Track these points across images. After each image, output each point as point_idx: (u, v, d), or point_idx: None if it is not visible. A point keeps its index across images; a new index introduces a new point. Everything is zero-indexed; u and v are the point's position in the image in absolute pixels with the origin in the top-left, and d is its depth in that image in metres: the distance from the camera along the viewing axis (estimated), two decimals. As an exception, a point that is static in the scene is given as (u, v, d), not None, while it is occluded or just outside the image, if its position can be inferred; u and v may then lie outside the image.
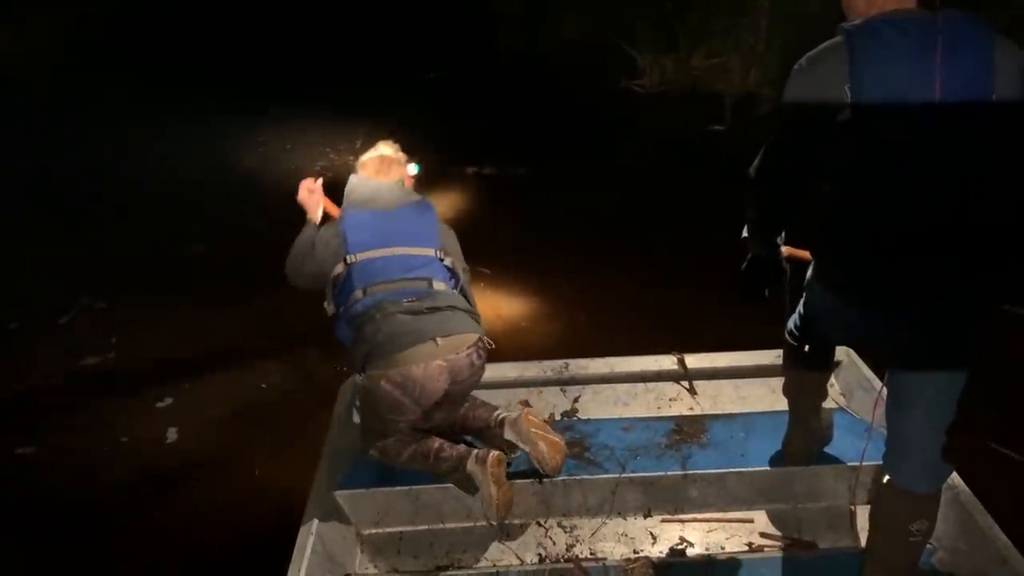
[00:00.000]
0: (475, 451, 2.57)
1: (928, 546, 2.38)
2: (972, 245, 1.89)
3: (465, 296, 2.82)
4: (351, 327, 2.65)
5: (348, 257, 2.69)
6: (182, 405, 4.09)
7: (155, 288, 5.27)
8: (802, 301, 2.42)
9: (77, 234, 6.13)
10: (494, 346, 2.76)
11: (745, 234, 2.31)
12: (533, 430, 2.61)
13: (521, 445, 2.64)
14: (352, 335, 2.65)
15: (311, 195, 2.93)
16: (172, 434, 3.86)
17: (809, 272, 2.28)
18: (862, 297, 2.06)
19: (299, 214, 2.93)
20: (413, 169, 3.02)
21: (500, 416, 2.72)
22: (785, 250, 2.43)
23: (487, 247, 4.89)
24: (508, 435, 2.66)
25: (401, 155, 3.00)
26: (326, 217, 2.93)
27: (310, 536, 2.45)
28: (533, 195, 6.68)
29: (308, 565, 2.36)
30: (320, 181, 2.97)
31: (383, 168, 2.91)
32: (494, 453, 2.54)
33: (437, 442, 2.64)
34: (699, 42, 9.50)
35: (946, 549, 2.50)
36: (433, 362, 2.52)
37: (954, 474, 2.42)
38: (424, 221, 2.83)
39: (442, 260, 2.78)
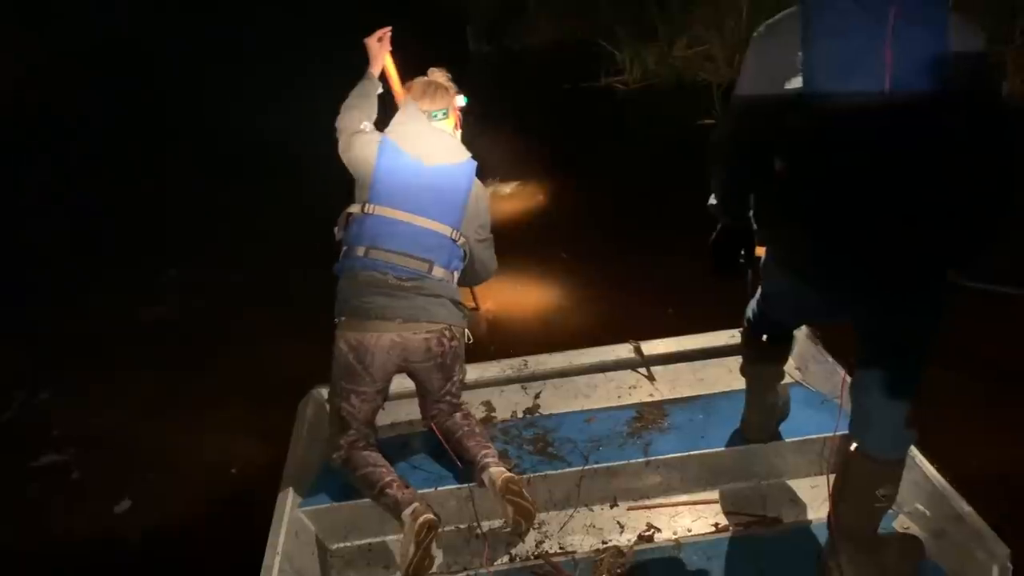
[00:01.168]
0: (415, 505, 2.48)
1: (890, 511, 2.42)
2: (926, 217, 1.91)
3: (469, 273, 2.86)
4: (342, 269, 2.69)
5: (367, 206, 2.66)
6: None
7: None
8: (760, 286, 2.45)
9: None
10: (471, 340, 2.78)
11: (712, 201, 2.31)
12: (507, 496, 2.50)
13: (493, 498, 2.57)
14: (340, 276, 2.70)
15: (380, 45, 2.94)
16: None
17: (765, 255, 2.29)
18: (818, 274, 2.08)
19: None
20: (462, 100, 2.90)
21: (484, 462, 2.63)
22: (759, 251, 2.37)
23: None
24: (485, 485, 2.59)
25: (451, 84, 2.89)
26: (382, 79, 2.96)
27: (276, 555, 2.43)
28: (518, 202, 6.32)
29: None
30: (390, 34, 2.97)
31: (429, 92, 2.80)
32: (428, 518, 2.43)
33: (388, 476, 2.59)
34: (679, 32, 9.07)
35: (906, 512, 2.54)
36: (387, 335, 2.57)
37: None
38: (456, 190, 2.73)
39: (455, 241, 2.72)
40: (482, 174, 2.81)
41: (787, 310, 2.39)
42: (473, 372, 3.31)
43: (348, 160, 2.75)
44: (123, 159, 8.13)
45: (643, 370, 3.33)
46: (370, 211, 2.65)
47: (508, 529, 2.56)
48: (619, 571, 2.45)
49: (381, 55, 2.96)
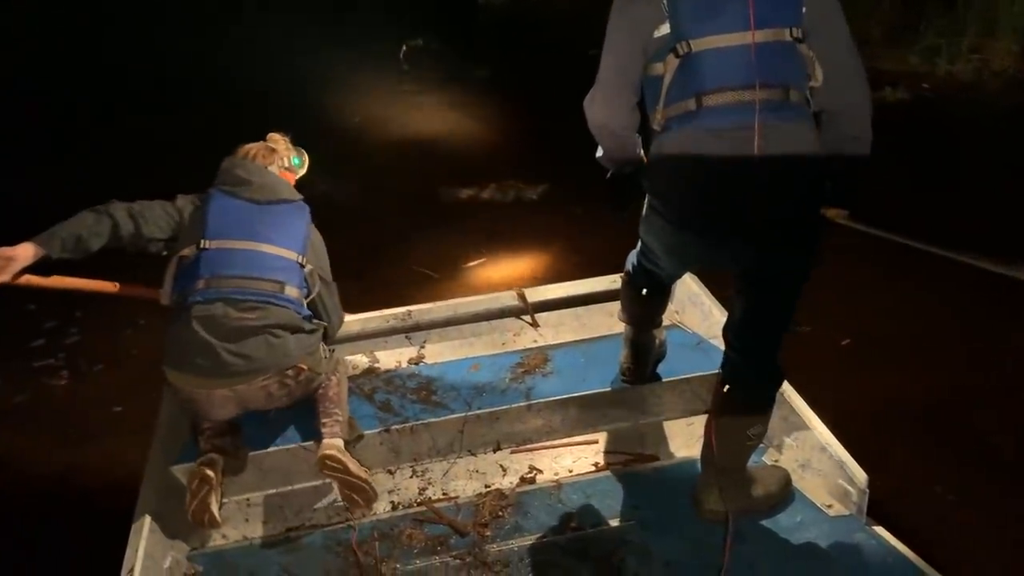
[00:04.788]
0: (210, 456, 2.42)
1: (761, 444, 2.53)
2: (793, 162, 1.96)
3: (317, 310, 2.66)
4: (176, 314, 2.48)
5: (202, 242, 2.50)
6: None
7: None
8: (640, 239, 2.47)
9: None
10: (320, 374, 2.58)
11: (598, 154, 2.33)
12: (326, 472, 2.43)
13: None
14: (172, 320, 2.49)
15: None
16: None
17: (645, 206, 2.31)
18: (692, 224, 2.11)
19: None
20: (294, 161, 2.87)
21: (321, 432, 2.53)
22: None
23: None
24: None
25: (287, 148, 2.86)
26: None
27: (147, 514, 2.35)
28: (539, 170, 5.80)
29: (146, 544, 2.27)
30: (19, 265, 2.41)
31: (260, 153, 2.76)
32: (199, 470, 2.38)
33: (207, 424, 2.51)
34: None
35: (775, 445, 2.65)
36: (217, 391, 2.42)
37: None
38: (294, 223, 2.66)
39: (303, 267, 2.60)
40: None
41: (666, 261, 2.43)
42: (357, 324, 3.28)
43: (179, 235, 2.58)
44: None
45: (527, 317, 3.34)
46: (206, 246, 2.49)
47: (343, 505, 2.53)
48: (501, 513, 2.47)
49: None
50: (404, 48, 8.42)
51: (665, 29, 1.93)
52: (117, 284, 2.74)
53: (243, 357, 2.37)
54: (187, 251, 2.52)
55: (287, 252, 2.57)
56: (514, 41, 8.74)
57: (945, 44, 7.01)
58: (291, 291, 2.52)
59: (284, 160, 2.84)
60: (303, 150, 2.99)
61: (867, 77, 2.02)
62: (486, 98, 7.26)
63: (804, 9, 1.88)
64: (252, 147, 2.79)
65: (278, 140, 2.88)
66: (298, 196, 2.76)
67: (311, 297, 2.61)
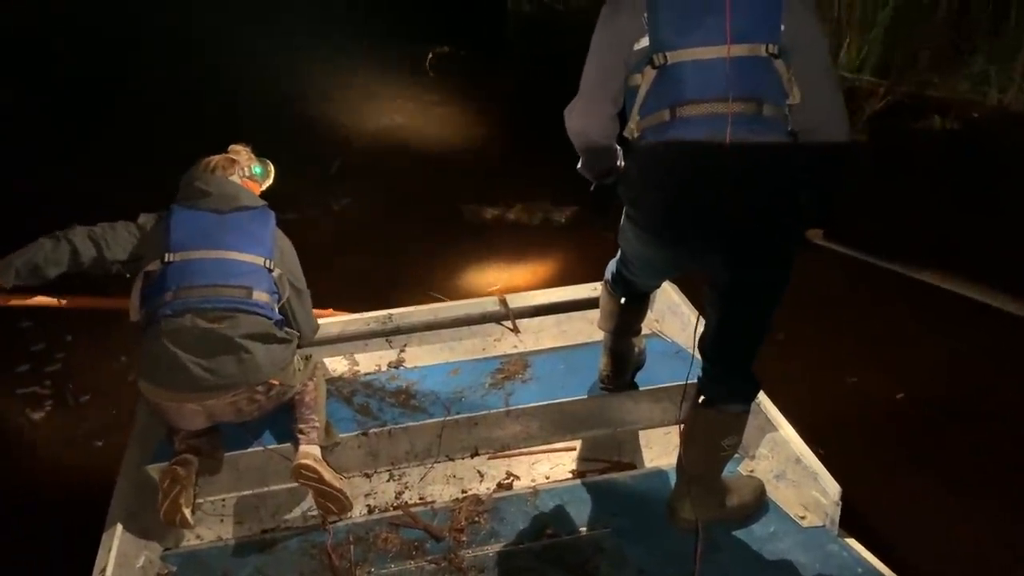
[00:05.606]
0: (184, 455, 2.42)
1: (735, 455, 2.54)
2: (771, 169, 1.99)
3: (288, 316, 2.62)
4: (145, 327, 2.46)
5: (167, 255, 2.48)
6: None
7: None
8: (620, 249, 2.49)
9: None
10: (294, 386, 2.54)
11: (579, 166, 2.35)
12: (300, 481, 2.44)
13: None
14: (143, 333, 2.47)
15: None
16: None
17: (623, 216, 2.33)
18: (663, 234, 2.14)
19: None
20: (255, 171, 2.85)
21: (297, 438, 2.54)
22: None
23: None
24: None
25: (249, 158, 2.84)
26: None
27: (121, 514, 2.34)
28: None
29: (120, 544, 2.26)
30: None
31: (220, 164, 2.74)
32: (172, 469, 2.37)
33: (183, 432, 2.50)
34: None
35: (751, 456, 2.67)
36: (186, 405, 2.40)
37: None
38: (259, 229, 2.62)
39: (271, 271, 2.57)
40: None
41: (644, 270, 2.45)
42: (337, 326, 3.27)
43: (136, 246, 2.57)
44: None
45: (508, 323, 3.35)
46: (171, 259, 2.47)
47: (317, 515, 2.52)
48: (477, 519, 2.48)
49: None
50: (430, 55, 8.26)
51: (645, 42, 1.96)
52: (65, 299, 2.74)
53: (213, 372, 2.35)
54: (152, 266, 2.50)
55: (253, 257, 2.54)
56: (543, 49, 8.54)
57: (995, 71, 6.62)
58: (260, 296, 2.49)
59: (245, 170, 2.81)
60: (267, 160, 2.96)
61: (843, 99, 2.04)
62: (514, 108, 7.01)
63: (783, 27, 1.90)
64: (212, 159, 2.76)
65: (239, 151, 2.85)
66: (261, 202, 2.72)
67: (282, 302, 2.59)
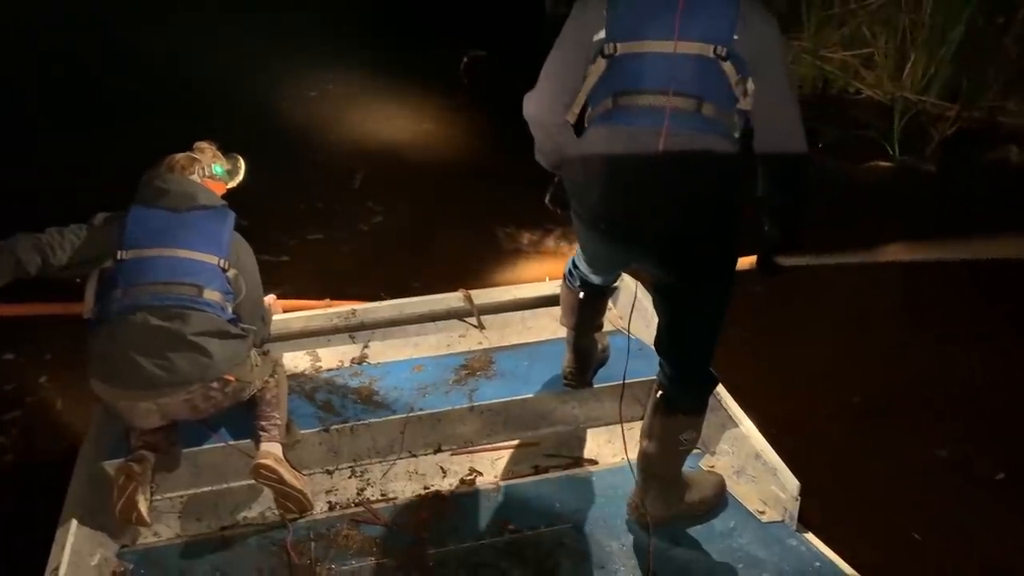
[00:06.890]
0: (140, 452, 2.41)
1: (697, 451, 2.56)
2: (698, 174, 2.00)
3: (242, 318, 2.57)
4: (96, 323, 2.43)
5: (120, 253, 2.44)
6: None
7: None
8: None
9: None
10: (251, 383, 2.52)
11: (535, 154, 2.34)
12: (260, 481, 2.43)
13: None
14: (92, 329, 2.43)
15: None
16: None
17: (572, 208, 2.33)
18: (598, 224, 2.15)
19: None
20: (216, 170, 2.79)
21: (258, 436, 2.52)
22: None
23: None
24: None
25: (213, 156, 2.79)
26: None
27: (75, 511, 2.30)
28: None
29: (74, 541, 2.22)
30: None
31: (181, 163, 2.68)
32: (127, 466, 2.36)
33: (139, 431, 2.47)
34: (827, 24, 6.82)
35: (711, 452, 2.69)
36: (140, 403, 2.37)
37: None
38: (215, 228, 2.57)
39: (225, 271, 2.52)
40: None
41: (592, 263, 2.45)
42: (300, 321, 3.25)
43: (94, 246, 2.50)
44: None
45: (473, 319, 3.34)
46: (124, 257, 2.43)
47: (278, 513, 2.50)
48: (439, 515, 2.47)
49: None
50: (465, 59, 8.04)
51: (602, 34, 2.00)
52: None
53: (166, 370, 2.31)
54: (106, 264, 2.46)
55: (206, 256, 2.49)
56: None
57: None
58: (211, 295, 2.45)
59: (206, 169, 2.75)
60: (238, 157, 2.91)
61: (801, 119, 2.04)
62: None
63: (736, 36, 1.91)
64: (175, 157, 2.71)
65: (204, 149, 2.80)
66: (219, 202, 2.67)
67: (238, 301, 2.54)
